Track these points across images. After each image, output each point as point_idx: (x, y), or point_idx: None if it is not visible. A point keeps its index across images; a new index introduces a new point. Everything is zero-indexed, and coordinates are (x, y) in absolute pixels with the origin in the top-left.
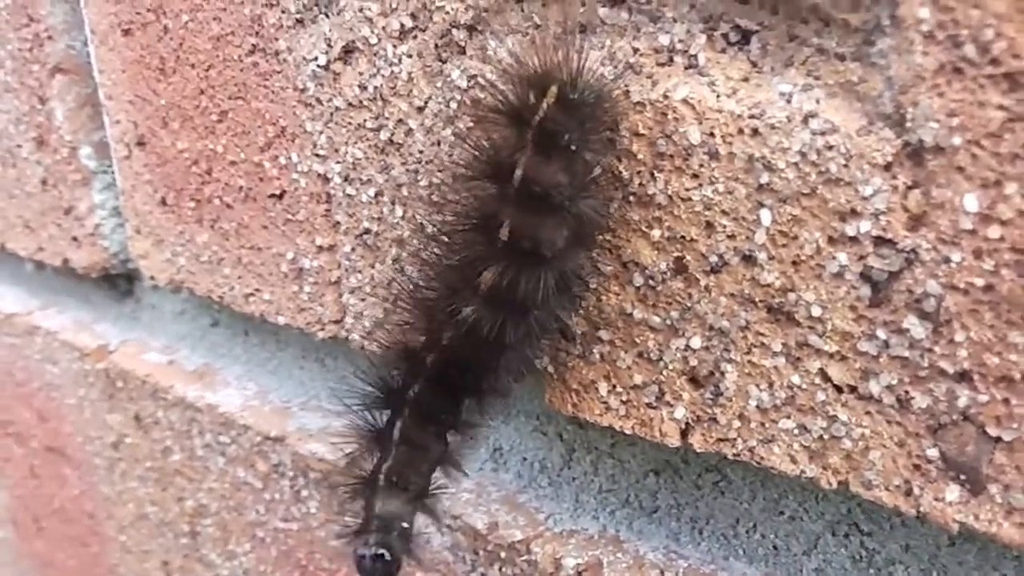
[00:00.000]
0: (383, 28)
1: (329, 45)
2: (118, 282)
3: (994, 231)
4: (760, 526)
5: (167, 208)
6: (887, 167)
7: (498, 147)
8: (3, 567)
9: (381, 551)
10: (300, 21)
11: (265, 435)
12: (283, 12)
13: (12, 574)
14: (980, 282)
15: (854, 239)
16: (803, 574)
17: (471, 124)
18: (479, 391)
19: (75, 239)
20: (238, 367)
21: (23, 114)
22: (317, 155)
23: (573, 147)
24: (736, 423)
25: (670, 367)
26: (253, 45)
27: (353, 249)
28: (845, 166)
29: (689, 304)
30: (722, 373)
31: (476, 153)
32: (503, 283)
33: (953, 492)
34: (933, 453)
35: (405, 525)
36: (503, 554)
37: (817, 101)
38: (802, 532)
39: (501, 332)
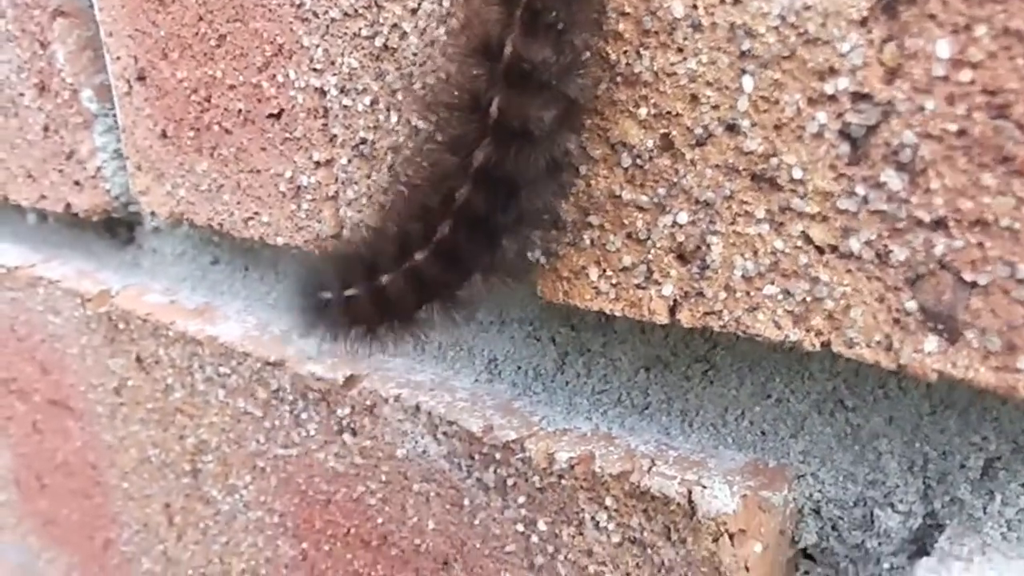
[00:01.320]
0: None
1: None
2: (119, 230)
3: (965, 75)
4: (748, 413)
5: (167, 140)
6: (863, 22)
7: (488, 27)
8: (5, 530)
9: None
10: None
11: (265, 360)
12: None
13: (15, 536)
14: (953, 127)
15: (832, 97)
16: (790, 456)
17: (465, 16)
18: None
19: (77, 183)
20: (238, 302)
21: (24, 61)
22: (314, 69)
23: (560, 26)
24: (722, 295)
25: (658, 245)
26: None
27: (350, 161)
28: (823, 25)
29: (676, 180)
30: (708, 246)
31: (467, 37)
32: (493, 161)
33: (932, 343)
34: (912, 305)
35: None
36: (498, 455)
37: None
38: (789, 415)
39: (493, 210)
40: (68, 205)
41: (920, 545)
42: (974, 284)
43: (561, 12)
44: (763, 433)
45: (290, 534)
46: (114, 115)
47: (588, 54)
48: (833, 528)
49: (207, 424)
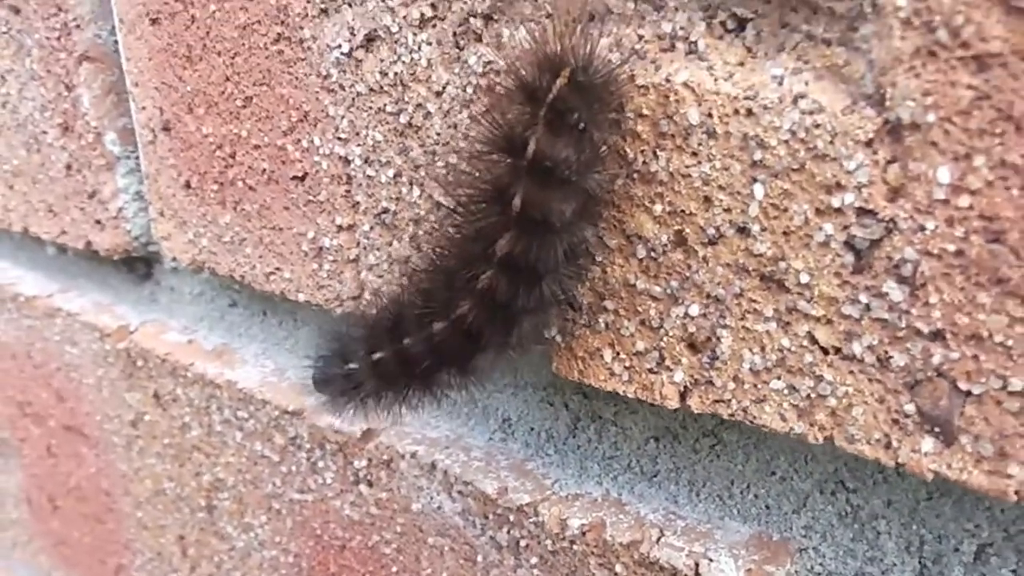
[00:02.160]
0: (404, 17)
1: (352, 33)
2: (137, 266)
3: (964, 200)
4: (753, 487)
5: (191, 191)
6: (869, 143)
7: (512, 124)
8: (16, 548)
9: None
10: (324, 11)
11: (283, 409)
12: (308, 2)
13: (25, 554)
14: (952, 248)
15: (839, 210)
16: (793, 531)
17: (487, 105)
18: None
19: (98, 222)
20: (255, 346)
21: (49, 101)
22: (339, 138)
23: (582, 126)
24: (731, 385)
25: (670, 334)
26: (278, 34)
27: (372, 228)
28: (831, 143)
29: (688, 274)
30: (718, 338)
31: (492, 130)
32: (516, 250)
33: (928, 444)
34: (910, 408)
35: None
36: (511, 517)
37: (806, 83)
38: (792, 491)
39: (515, 297)
40: (89, 243)
41: None
42: (969, 393)
43: (583, 113)
44: (767, 507)
45: (304, 574)
46: (136, 158)
47: (606, 150)
48: None
49: (224, 463)
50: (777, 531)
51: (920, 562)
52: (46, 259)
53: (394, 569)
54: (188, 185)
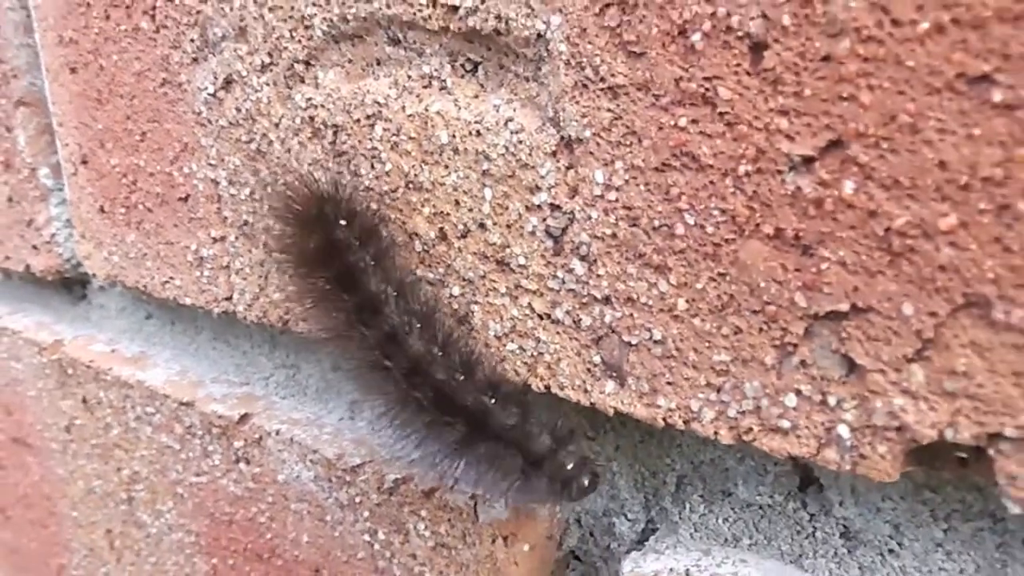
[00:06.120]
0: (249, 64)
1: (215, 78)
2: (74, 288)
3: (612, 195)
4: None
5: (104, 215)
6: (553, 154)
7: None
8: None
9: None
10: (195, 59)
11: (180, 401)
12: (183, 52)
13: None
14: (609, 231)
15: (539, 207)
16: None
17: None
18: None
19: (35, 247)
20: (167, 352)
21: None
22: (210, 164)
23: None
24: (483, 350)
25: (442, 311)
26: (163, 79)
27: (236, 238)
28: (530, 155)
29: (449, 262)
30: (472, 312)
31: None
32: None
33: (609, 386)
34: (597, 359)
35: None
36: (348, 477)
37: (514, 110)
38: None
39: None
40: (28, 266)
41: (643, 545)
42: (630, 343)
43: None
44: None
45: (203, 552)
46: (65, 189)
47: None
48: (590, 534)
49: (138, 457)
50: None
51: (645, 496)
52: None
53: (268, 536)
54: (102, 210)
